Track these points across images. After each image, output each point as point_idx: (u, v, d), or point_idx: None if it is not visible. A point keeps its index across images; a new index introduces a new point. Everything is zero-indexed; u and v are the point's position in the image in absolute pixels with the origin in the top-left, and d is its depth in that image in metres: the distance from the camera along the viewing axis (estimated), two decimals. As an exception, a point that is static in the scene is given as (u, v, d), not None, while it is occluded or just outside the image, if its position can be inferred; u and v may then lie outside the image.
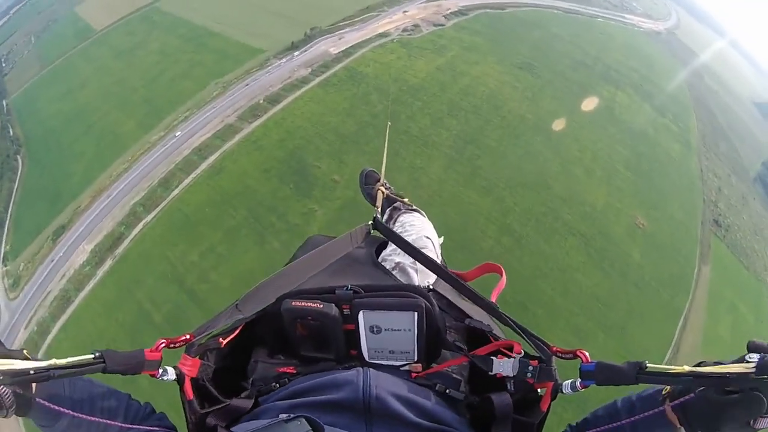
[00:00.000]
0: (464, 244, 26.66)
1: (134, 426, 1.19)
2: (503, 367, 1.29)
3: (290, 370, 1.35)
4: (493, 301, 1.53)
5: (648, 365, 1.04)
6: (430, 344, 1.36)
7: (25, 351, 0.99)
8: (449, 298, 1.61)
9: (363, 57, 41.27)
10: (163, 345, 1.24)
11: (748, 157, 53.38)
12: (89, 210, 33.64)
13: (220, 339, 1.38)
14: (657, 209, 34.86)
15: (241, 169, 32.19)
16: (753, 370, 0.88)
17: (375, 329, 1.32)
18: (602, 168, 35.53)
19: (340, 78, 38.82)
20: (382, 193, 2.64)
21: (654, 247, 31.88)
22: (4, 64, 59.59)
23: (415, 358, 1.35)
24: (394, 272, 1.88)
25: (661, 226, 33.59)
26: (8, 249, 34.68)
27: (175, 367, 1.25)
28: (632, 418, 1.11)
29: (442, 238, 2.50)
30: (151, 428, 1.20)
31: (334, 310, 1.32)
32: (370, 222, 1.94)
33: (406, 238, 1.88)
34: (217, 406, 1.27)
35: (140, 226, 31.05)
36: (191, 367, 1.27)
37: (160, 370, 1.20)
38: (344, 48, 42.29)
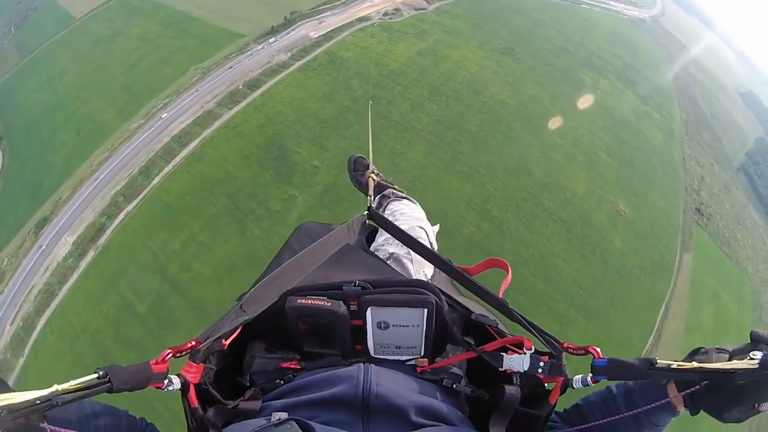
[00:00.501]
0: (445, 230, 26.69)
1: None
2: (514, 362, 1.28)
3: (293, 365, 1.32)
4: (501, 297, 1.51)
5: (658, 361, 1.06)
6: (437, 340, 1.35)
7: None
8: (448, 292, 1.54)
9: (343, 41, 41.07)
10: (170, 355, 1.17)
11: (731, 147, 53.92)
12: (70, 201, 33.20)
13: (223, 340, 1.31)
14: (639, 197, 35.22)
15: (222, 156, 32.00)
16: (756, 366, 0.92)
17: (383, 325, 1.30)
18: (583, 154, 35.74)
19: (320, 63, 38.59)
20: (373, 180, 2.58)
21: (635, 234, 32.26)
22: (-18, 55, 58.18)
23: (422, 353, 1.33)
24: (389, 263, 1.84)
25: (642, 214, 33.96)
26: (-9, 244, 34.27)
27: (179, 375, 1.18)
28: (634, 411, 1.14)
29: (437, 226, 2.48)
30: None
31: (342, 308, 1.29)
32: (365, 212, 1.90)
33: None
34: (224, 409, 1.21)
35: (122, 216, 30.77)
36: (195, 373, 1.20)
37: (166, 381, 1.12)
38: (324, 32, 42.00)
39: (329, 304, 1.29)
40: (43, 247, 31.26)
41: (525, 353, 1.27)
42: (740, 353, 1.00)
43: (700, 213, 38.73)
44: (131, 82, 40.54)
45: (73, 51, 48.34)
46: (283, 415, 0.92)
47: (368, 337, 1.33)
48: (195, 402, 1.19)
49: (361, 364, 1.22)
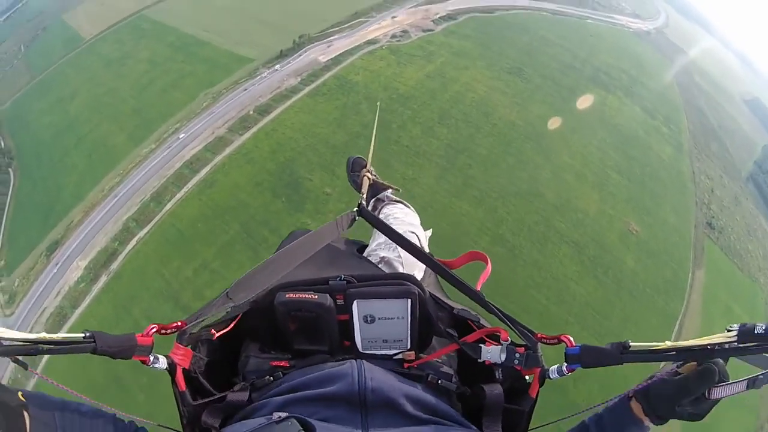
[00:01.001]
0: (457, 255, 26.41)
1: None
2: (491, 354, 1.31)
3: (284, 364, 1.34)
4: (479, 289, 1.52)
5: (631, 344, 1.05)
6: (422, 332, 1.38)
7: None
8: (436, 294, 1.59)
9: (352, 65, 41.22)
10: (155, 330, 1.21)
11: (739, 156, 53.60)
12: (82, 225, 33.40)
13: (213, 330, 1.37)
14: (650, 214, 34.98)
15: (233, 183, 32.09)
16: (735, 338, 0.90)
17: (369, 318, 1.33)
18: (594, 173, 35.61)
19: (329, 87, 38.75)
20: (368, 179, 2.56)
21: (647, 253, 32.00)
22: (-7, 75, 58.76)
23: (408, 346, 1.36)
24: (380, 266, 1.89)
25: (654, 232, 33.70)
26: (3, 265, 34.44)
27: (167, 356, 1.23)
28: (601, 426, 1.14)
29: (430, 230, 2.51)
30: None
31: (328, 300, 1.32)
32: (354, 209, 1.92)
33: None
34: (212, 398, 1.26)
35: (134, 241, 30.88)
36: (183, 356, 1.26)
37: (152, 357, 1.18)
38: (333, 56, 42.27)
39: (316, 296, 1.31)
40: (55, 271, 31.41)
41: (501, 344, 1.30)
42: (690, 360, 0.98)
43: (711, 227, 38.47)
44: (141, 105, 40.89)
45: (83, 73, 48.83)
46: (284, 414, 0.93)
47: (356, 331, 1.35)
48: (182, 385, 1.23)
49: (354, 361, 1.24)
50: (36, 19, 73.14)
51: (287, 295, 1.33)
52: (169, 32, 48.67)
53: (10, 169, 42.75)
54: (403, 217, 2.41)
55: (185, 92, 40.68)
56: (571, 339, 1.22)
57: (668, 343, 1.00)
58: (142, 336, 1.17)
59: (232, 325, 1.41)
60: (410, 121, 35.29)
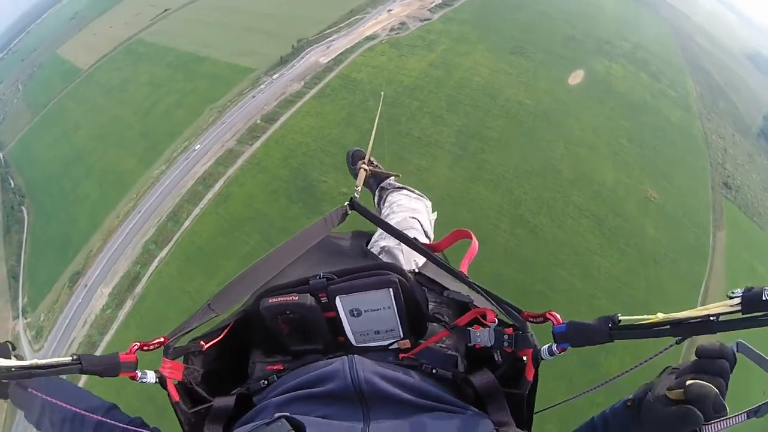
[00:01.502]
0: (480, 241, 26.28)
1: (112, 421, 1.22)
2: (481, 337, 1.28)
3: (277, 366, 1.36)
4: (465, 267, 1.55)
5: (621, 318, 0.98)
6: (413, 319, 1.36)
7: (9, 343, 1.15)
8: (438, 280, 1.56)
9: (354, 63, 41.12)
10: (137, 348, 1.26)
11: (748, 113, 52.72)
12: (101, 253, 33.72)
13: (201, 342, 1.39)
14: (666, 179, 34.50)
15: (248, 194, 32.11)
16: (738, 307, 0.79)
17: (355, 312, 1.33)
18: (606, 144, 35.19)
19: (333, 87, 38.68)
20: (365, 171, 2.59)
21: (667, 218, 31.59)
22: (-5, 116, 59.82)
23: (401, 335, 1.34)
24: (381, 256, 1.88)
25: (671, 196, 33.25)
26: (26, 302, 34.87)
27: (156, 371, 1.27)
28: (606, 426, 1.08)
29: (435, 214, 2.52)
30: (128, 427, 1.23)
31: (309, 299, 1.32)
32: (346, 203, 1.90)
33: (393, 219, 1.93)
34: (201, 407, 1.29)
35: (155, 263, 31.02)
36: (172, 369, 1.30)
37: (139, 373, 1.22)
38: (334, 56, 42.15)
39: (296, 298, 1.32)
40: (80, 301, 31.72)
41: (489, 326, 1.26)
42: (687, 371, 0.84)
43: (728, 187, 37.78)
44: (147, 129, 41.19)
45: (84, 104, 49.42)
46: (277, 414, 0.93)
47: (345, 327, 1.36)
48: (176, 396, 1.27)
49: (344, 357, 1.23)
50: (30, 57, 74.26)
51: (270, 300, 1.34)
52: (166, 52, 49.03)
53: (23, 207, 43.38)
54: (406, 203, 2.42)
55: (190, 110, 40.86)
56: (558, 316, 1.16)
57: (661, 316, 0.91)
58: (125, 354, 1.22)
59: (222, 335, 1.42)
60: (419, 111, 35.03)
